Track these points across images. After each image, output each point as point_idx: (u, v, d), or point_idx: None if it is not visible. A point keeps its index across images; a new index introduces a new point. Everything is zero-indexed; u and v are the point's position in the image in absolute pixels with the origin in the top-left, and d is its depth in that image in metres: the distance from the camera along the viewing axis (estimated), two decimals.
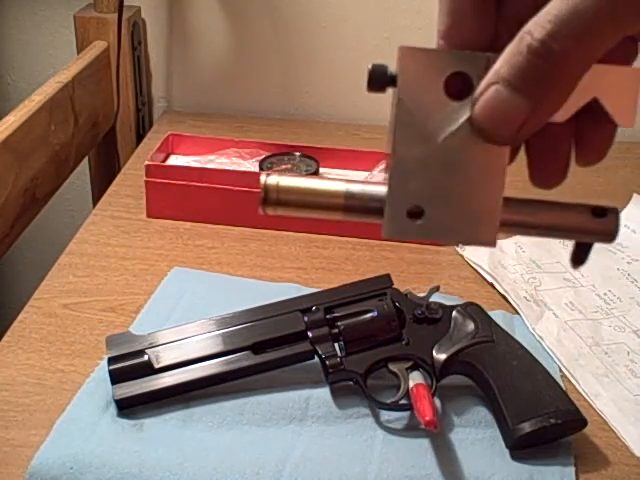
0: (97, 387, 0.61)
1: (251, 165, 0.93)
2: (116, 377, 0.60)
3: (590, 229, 0.35)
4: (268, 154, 0.94)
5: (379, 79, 0.33)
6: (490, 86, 0.31)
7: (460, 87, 0.32)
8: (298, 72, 1.15)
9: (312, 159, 0.93)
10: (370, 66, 0.33)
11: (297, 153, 0.94)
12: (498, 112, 0.31)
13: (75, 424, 0.58)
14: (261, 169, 0.91)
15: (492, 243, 0.34)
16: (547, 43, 0.29)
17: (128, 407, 0.60)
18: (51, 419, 0.59)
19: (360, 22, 1.11)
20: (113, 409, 0.59)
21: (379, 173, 0.90)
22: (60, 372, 0.65)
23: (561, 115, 0.32)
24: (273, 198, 0.34)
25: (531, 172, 0.36)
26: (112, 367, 0.60)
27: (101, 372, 0.62)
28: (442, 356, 0.61)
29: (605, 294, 0.78)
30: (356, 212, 0.34)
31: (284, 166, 0.92)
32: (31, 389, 0.63)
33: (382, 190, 0.33)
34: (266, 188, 0.34)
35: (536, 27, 0.29)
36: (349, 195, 0.34)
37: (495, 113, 0.31)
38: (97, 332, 0.70)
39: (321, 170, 0.92)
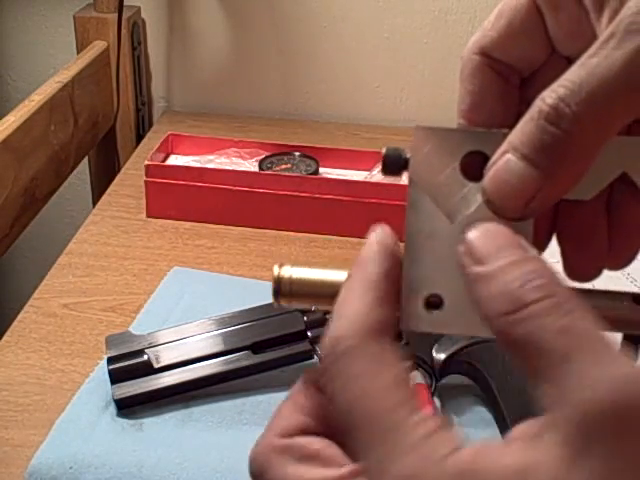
0: (97, 387, 0.61)
1: (251, 165, 0.93)
2: (116, 377, 0.60)
3: (635, 320, 0.30)
4: (268, 154, 0.94)
5: (393, 163, 0.30)
6: (502, 156, 0.28)
7: (478, 166, 0.29)
8: (298, 72, 1.15)
9: (312, 159, 0.93)
10: (384, 150, 0.30)
11: (297, 153, 0.94)
12: (506, 182, 0.28)
13: (75, 424, 0.58)
14: (261, 169, 0.91)
15: None
16: (558, 107, 0.26)
17: (128, 407, 0.60)
18: (51, 419, 0.59)
19: (360, 22, 1.10)
20: (113, 409, 0.59)
21: (379, 173, 0.90)
22: (60, 372, 0.65)
23: (586, 192, 0.29)
24: (286, 290, 0.31)
25: (565, 263, 0.32)
26: (112, 367, 0.60)
27: (101, 372, 0.62)
28: (442, 356, 0.61)
29: None
30: None
31: (284, 166, 0.92)
32: (31, 389, 0.63)
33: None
34: (278, 280, 0.31)
35: (549, 92, 0.27)
36: None
37: (503, 184, 0.28)
38: (97, 332, 0.70)
39: (321, 170, 0.92)
